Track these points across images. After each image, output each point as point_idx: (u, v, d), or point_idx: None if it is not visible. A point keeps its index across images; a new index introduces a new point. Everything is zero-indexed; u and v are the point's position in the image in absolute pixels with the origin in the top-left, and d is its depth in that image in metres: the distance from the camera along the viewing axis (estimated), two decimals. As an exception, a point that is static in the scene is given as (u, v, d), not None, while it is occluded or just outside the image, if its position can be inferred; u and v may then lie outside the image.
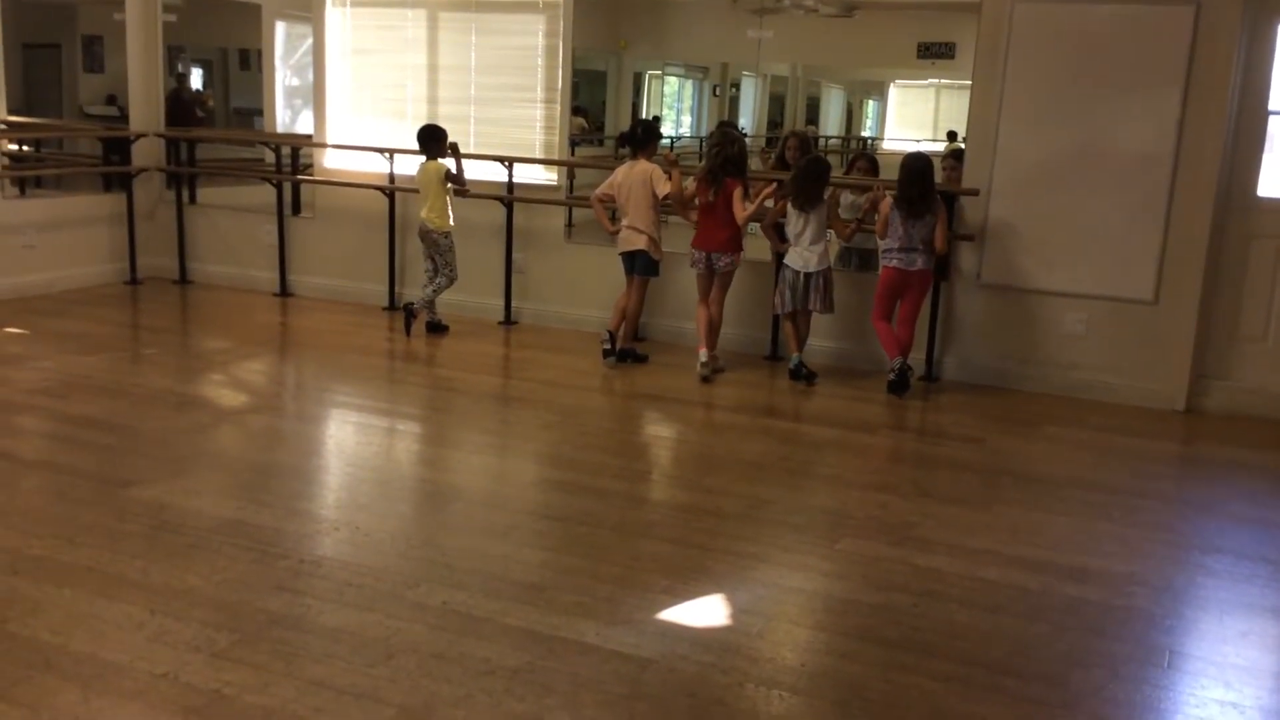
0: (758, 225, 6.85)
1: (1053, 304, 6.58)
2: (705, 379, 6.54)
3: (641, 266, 6.80)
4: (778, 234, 6.76)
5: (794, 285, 6.50)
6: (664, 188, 6.64)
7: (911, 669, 3.31)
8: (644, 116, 9.99)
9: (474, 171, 7.57)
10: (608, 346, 6.85)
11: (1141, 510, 4.81)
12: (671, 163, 6.85)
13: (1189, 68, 6.12)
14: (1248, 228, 6.29)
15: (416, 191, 7.47)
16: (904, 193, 6.26)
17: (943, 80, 9.37)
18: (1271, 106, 6.22)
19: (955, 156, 7.22)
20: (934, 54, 8.37)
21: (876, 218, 6.42)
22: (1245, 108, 6.22)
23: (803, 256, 6.46)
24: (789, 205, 6.51)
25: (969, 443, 5.73)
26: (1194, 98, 6.15)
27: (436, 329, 7.48)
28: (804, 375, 6.56)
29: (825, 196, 6.56)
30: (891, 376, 6.34)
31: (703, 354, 6.58)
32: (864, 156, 8.30)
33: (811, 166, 6.58)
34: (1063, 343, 6.59)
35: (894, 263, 6.32)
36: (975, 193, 6.59)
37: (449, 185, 7.32)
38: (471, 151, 7.73)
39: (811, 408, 6.29)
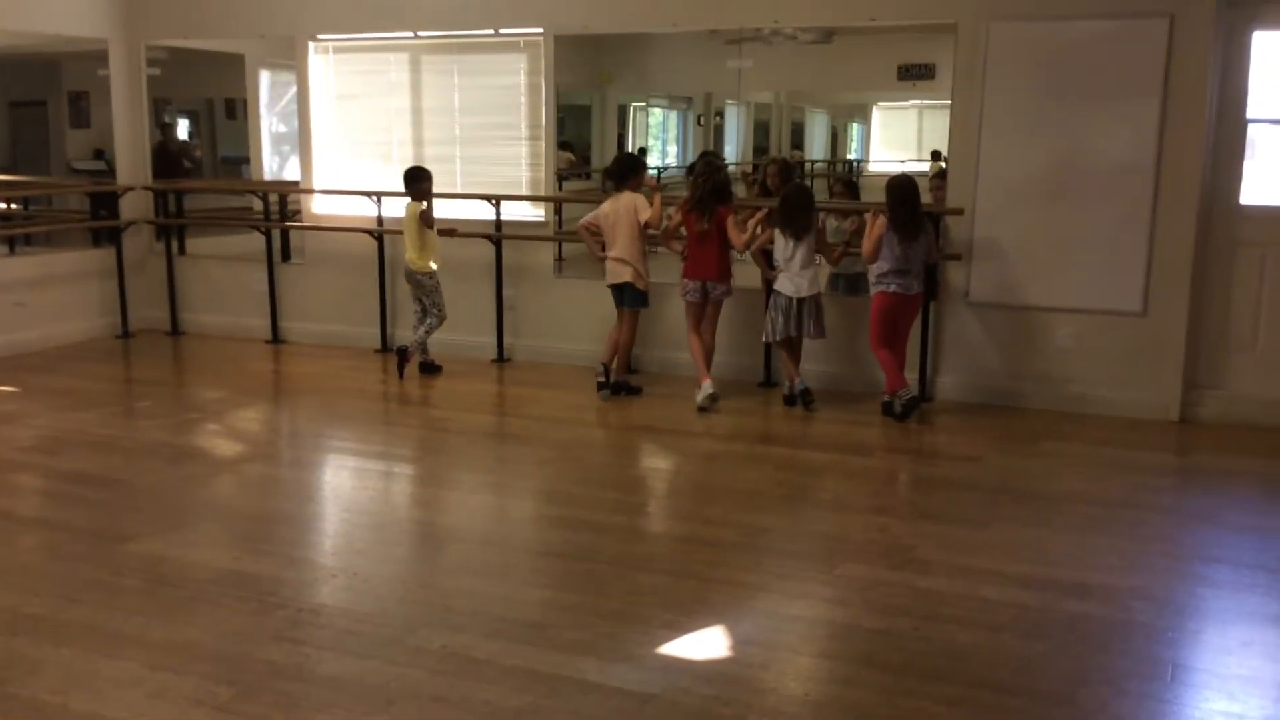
0: (748, 252, 6.87)
1: (1043, 319, 6.60)
2: (704, 409, 6.53)
3: (630, 299, 6.82)
4: (766, 261, 6.78)
5: (787, 311, 6.51)
6: (645, 214, 6.68)
7: (916, 693, 3.30)
8: (629, 148, 10.04)
9: (461, 210, 7.60)
10: (602, 379, 6.86)
11: (1140, 523, 4.81)
12: (653, 188, 6.89)
13: (1166, 79, 6.17)
14: (1232, 236, 6.33)
15: (402, 233, 7.48)
16: (896, 216, 6.27)
17: (924, 101, 9.42)
18: (1250, 114, 6.26)
19: (942, 176, 7.25)
20: (914, 75, 8.42)
21: (865, 240, 6.42)
22: (1224, 116, 6.26)
23: (794, 282, 6.48)
24: (777, 232, 6.53)
25: (966, 462, 5.74)
26: (1173, 108, 6.19)
27: (430, 369, 7.48)
28: (808, 400, 6.55)
29: (814, 221, 6.58)
30: (887, 398, 6.34)
31: (707, 385, 6.56)
32: (840, 181, 8.35)
33: (798, 194, 6.62)
34: (1055, 357, 6.61)
35: (892, 288, 6.30)
36: (960, 212, 6.63)
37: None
38: (458, 191, 7.77)
39: (806, 433, 6.29)
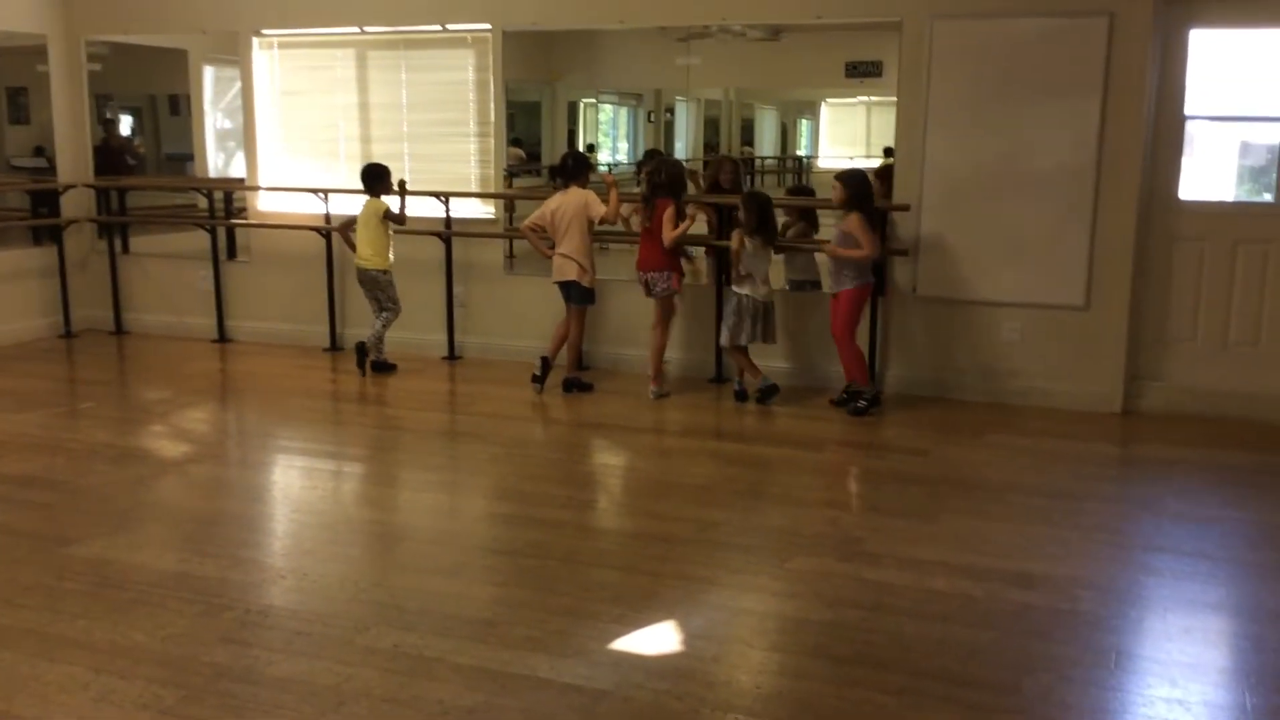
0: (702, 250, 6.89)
1: (988, 314, 6.69)
2: (660, 396, 6.65)
3: (576, 296, 6.82)
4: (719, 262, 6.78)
5: (755, 315, 6.51)
6: (600, 210, 6.68)
7: (864, 684, 3.33)
8: (579, 145, 10.04)
9: (411, 208, 7.55)
10: (537, 374, 6.86)
11: (1083, 513, 4.89)
12: (610, 184, 6.88)
13: (1106, 76, 6.27)
14: (1171, 230, 6.44)
15: (353, 231, 7.40)
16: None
17: (872, 98, 9.50)
18: (1188, 111, 6.38)
19: (882, 174, 7.27)
20: (862, 73, 8.49)
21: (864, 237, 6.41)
22: (1163, 113, 6.37)
23: (760, 288, 6.49)
24: (744, 237, 6.49)
25: (913, 455, 5.80)
26: (1112, 106, 6.29)
27: (383, 368, 7.43)
28: (768, 396, 6.58)
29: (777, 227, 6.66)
30: (846, 395, 6.43)
31: (653, 389, 6.70)
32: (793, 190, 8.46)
33: (766, 200, 6.61)
34: (1000, 351, 6.70)
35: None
36: (906, 208, 6.69)
37: (388, 223, 7.30)
38: (407, 188, 7.71)
39: (757, 428, 6.33)
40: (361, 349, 7.35)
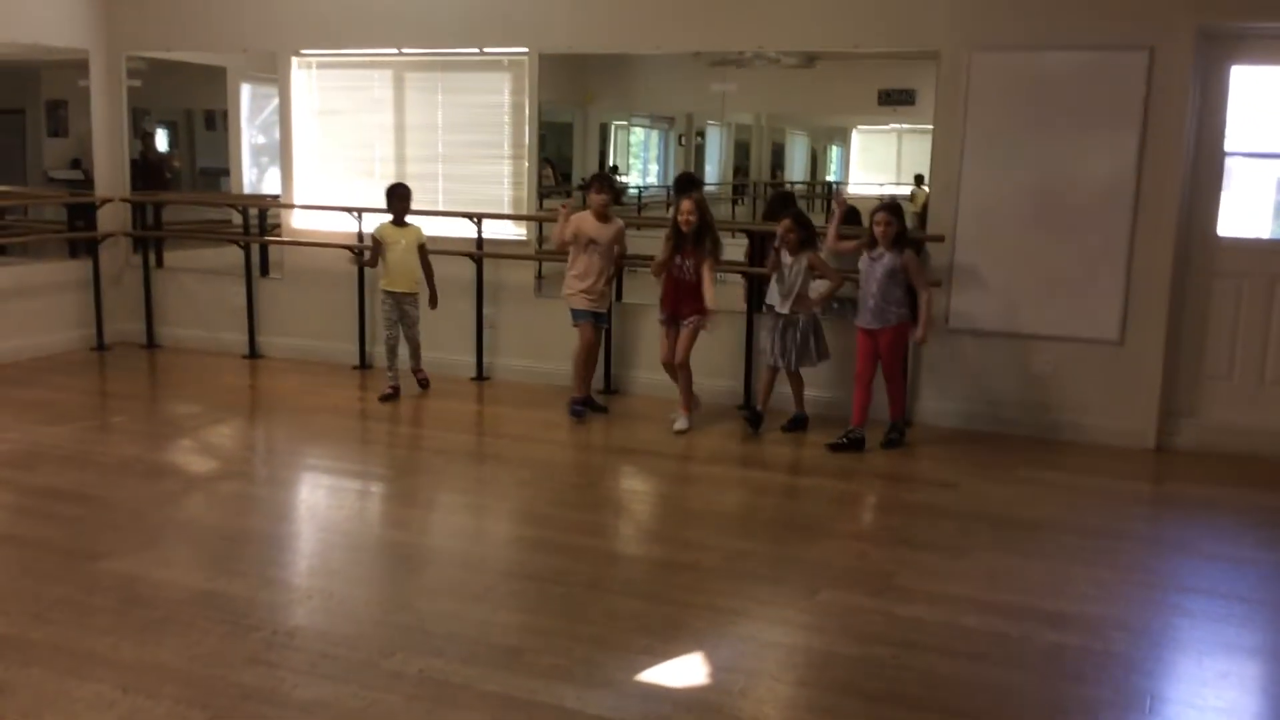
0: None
1: (1021, 346, 6.64)
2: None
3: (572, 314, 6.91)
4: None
5: (816, 333, 6.50)
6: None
7: (894, 723, 3.29)
8: (608, 166, 10.07)
9: (443, 228, 7.57)
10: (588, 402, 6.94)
11: (1116, 551, 4.83)
12: (561, 208, 6.98)
13: (1145, 111, 6.23)
14: (1208, 267, 6.38)
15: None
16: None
17: (904, 125, 9.50)
18: (1228, 147, 6.33)
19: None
20: (895, 101, 8.48)
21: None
22: (1202, 149, 6.32)
23: (809, 302, 6.50)
24: (787, 254, 6.42)
25: (944, 488, 5.75)
26: (1151, 140, 6.24)
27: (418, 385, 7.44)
28: (795, 427, 6.63)
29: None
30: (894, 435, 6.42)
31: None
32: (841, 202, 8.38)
33: (808, 218, 6.61)
34: (1032, 385, 6.64)
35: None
36: (940, 238, 6.66)
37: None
38: (440, 208, 7.75)
39: (786, 457, 6.29)
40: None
